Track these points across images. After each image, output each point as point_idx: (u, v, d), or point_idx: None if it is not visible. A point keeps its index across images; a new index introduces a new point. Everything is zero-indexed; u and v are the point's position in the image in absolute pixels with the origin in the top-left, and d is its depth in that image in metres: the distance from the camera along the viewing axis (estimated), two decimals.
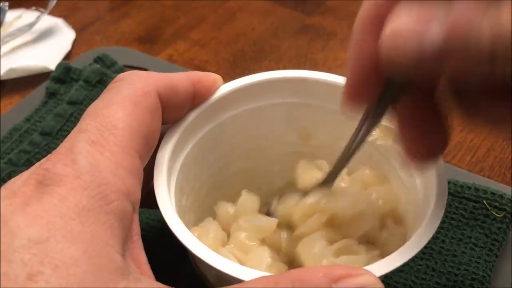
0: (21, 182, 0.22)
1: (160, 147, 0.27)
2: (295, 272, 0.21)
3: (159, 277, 0.23)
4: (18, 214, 0.20)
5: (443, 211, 0.25)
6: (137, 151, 0.24)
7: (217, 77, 0.30)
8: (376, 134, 0.30)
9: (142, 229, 0.35)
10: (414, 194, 0.28)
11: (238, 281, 0.22)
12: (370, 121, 0.25)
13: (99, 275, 0.19)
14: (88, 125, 0.23)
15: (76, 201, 0.21)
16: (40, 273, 0.18)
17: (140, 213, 0.35)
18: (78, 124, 0.24)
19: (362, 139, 0.26)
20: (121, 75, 0.26)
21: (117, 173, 0.22)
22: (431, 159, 0.24)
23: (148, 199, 0.26)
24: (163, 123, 0.27)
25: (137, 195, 0.24)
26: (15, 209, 0.20)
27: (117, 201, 0.22)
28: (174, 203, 0.26)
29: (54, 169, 0.21)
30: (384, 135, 0.30)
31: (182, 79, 0.28)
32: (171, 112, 0.27)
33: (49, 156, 0.22)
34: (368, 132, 0.26)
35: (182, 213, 0.29)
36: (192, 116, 0.29)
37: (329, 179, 0.29)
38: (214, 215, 0.31)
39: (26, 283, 0.18)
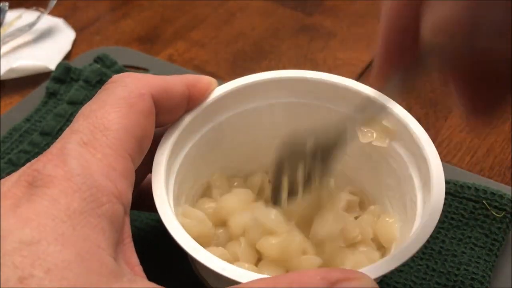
0: (10, 183, 0.21)
1: (158, 148, 0.27)
2: (292, 274, 0.21)
3: (158, 277, 0.23)
4: (8, 216, 0.20)
5: (440, 212, 0.25)
6: (129, 153, 0.24)
7: (211, 80, 0.30)
8: (374, 136, 0.30)
9: (141, 229, 0.35)
10: (413, 195, 0.28)
11: (237, 283, 0.22)
12: (402, 84, 0.24)
13: (91, 279, 0.19)
14: (81, 126, 0.23)
15: (67, 204, 0.20)
16: (31, 276, 0.18)
17: (140, 213, 0.36)
18: (71, 125, 0.24)
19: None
20: (115, 76, 0.26)
21: (109, 176, 0.22)
22: (496, 110, 0.21)
23: (138, 202, 0.25)
24: (157, 126, 0.27)
25: (129, 198, 0.23)
26: (5, 211, 0.20)
27: (109, 204, 0.21)
28: (172, 205, 0.26)
29: (45, 170, 0.21)
30: (381, 136, 0.30)
31: (177, 82, 0.27)
32: (165, 115, 0.27)
33: (39, 156, 0.22)
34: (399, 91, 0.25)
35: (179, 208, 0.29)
36: (191, 117, 0.29)
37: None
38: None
39: (18, 287, 0.18)
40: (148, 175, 0.30)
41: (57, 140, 0.23)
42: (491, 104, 0.20)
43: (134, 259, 0.22)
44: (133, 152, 0.24)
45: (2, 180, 0.22)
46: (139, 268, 0.22)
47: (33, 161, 0.22)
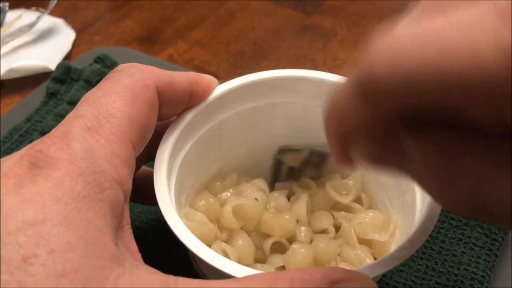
0: (12, 163, 0.21)
1: (159, 145, 0.28)
2: (293, 272, 0.21)
3: None
4: (11, 195, 0.19)
5: (439, 212, 0.25)
6: (132, 141, 0.24)
7: (212, 79, 0.30)
8: None
9: (141, 229, 0.35)
10: (413, 194, 0.28)
11: None
12: None
13: (94, 262, 0.19)
14: (85, 111, 0.23)
15: (71, 187, 0.20)
16: (35, 255, 0.18)
17: (140, 213, 0.36)
18: (75, 109, 0.24)
19: None
20: (121, 66, 0.26)
21: (112, 162, 0.22)
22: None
23: (134, 192, 0.25)
24: (158, 120, 0.27)
25: (129, 185, 0.23)
26: (7, 191, 0.20)
27: (111, 190, 0.21)
28: (173, 202, 0.26)
29: (49, 152, 0.21)
30: None
31: (180, 77, 0.28)
32: (167, 109, 0.27)
33: (42, 138, 0.22)
34: None
35: (181, 210, 0.29)
36: (192, 114, 0.29)
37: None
38: None
39: (22, 266, 0.18)
40: (142, 167, 0.30)
41: (61, 123, 0.23)
42: None
43: (133, 245, 0.22)
44: (135, 140, 0.24)
45: (3, 158, 0.22)
46: (138, 255, 0.22)
47: (35, 141, 0.22)
